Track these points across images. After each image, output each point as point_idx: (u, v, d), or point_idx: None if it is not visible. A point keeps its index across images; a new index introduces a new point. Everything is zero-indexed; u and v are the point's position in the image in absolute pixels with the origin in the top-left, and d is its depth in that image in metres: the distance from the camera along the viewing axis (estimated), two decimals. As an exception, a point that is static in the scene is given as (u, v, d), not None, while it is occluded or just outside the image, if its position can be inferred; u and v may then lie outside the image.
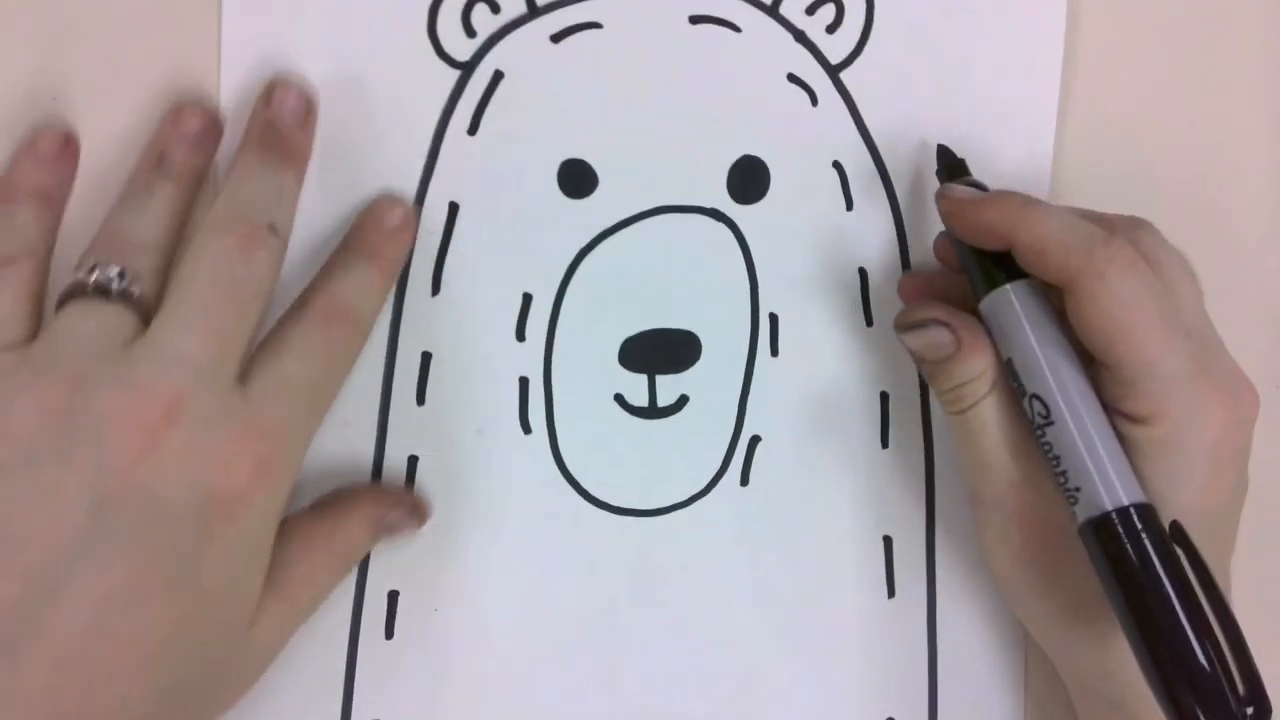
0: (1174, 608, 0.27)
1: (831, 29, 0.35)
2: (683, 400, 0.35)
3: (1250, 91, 0.38)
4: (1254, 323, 0.39)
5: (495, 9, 0.33)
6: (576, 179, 0.34)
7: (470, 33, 0.33)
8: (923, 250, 0.36)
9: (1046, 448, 0.30)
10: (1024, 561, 0.31)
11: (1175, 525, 0.28)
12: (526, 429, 0.34)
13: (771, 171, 0.35)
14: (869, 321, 0.36)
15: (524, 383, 0.34)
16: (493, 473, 0.34)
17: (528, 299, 0.34)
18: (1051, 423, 0.30)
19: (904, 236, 0.36)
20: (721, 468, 0.35)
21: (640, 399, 0.35)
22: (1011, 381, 0.31)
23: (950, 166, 0.34)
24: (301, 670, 0.32)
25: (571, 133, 0.34)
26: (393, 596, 0.33)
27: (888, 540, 0.37)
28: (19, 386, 0.26)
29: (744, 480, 0.36)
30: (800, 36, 0.35)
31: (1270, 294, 0.39)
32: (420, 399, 0.34)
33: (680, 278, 0.35)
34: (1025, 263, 0.30)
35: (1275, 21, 0.38)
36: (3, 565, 0.24)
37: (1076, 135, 0.37)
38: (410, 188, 0.33)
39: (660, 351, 0.35)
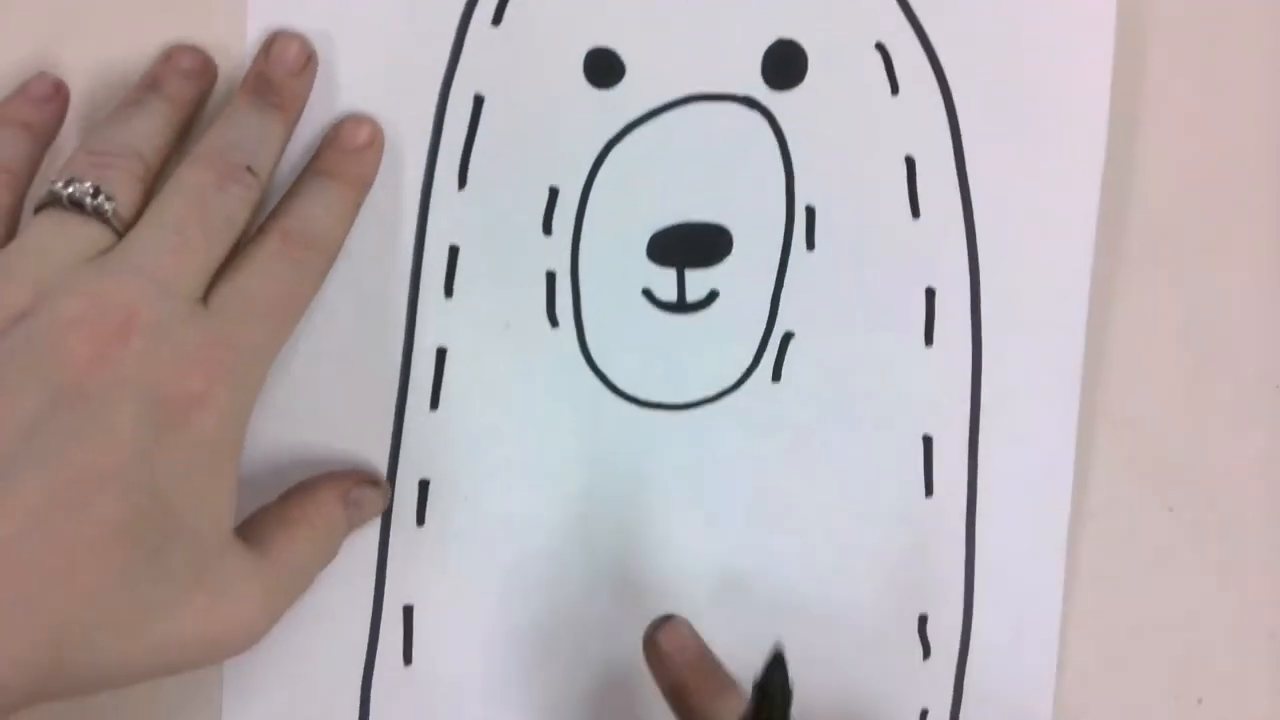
0: None
1: (877, -103, 0.32)
2: (712, 295, 0.34)
3: (1251, 91, 0.36)
4: (1254, 323, 0.37)
5: (518, -111, 0.32)
6: (603, 68, 0.33)
7: (493, -83, 0.32)
8: (977, 134, 0.34)
9: None
10: None
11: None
12: (554, 323, 0.34)
13: (809, 55, 0.33)
14: (915, 213, 0.35)
15: (551, 277, 0.34)
16: (520, 366, 0.34)
17: (554, 192, 0.34)
18: None
19: (955, 122, 0.34)
20: (753, 363, 0.35)
21: (669, 294, 0.34)
22: None
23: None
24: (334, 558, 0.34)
25: (597, 20, 0.33)
26: (423, 485, 0.34)
27: (927, 440, 0.36)
28: None
29: (776, 376, 0.35)
30: (842, -94, 0.32)
31: (1270, 294, 0.37)
32: (449, 292, 0.34)
33: (711, 169, 0.34)
34: None
35: (1275, 21, 0.36)
36: None
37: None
38: (435, 80, 0.33)
39: (689, 245, 0.34)
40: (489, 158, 0.33)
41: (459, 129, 0.33)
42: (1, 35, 0.32)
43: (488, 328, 0.34)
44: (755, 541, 0.36)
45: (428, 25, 0.33)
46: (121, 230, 0.28)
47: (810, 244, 0.34)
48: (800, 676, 0.36)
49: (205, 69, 0.32)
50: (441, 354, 0.34)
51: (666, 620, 0.34)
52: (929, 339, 0.35)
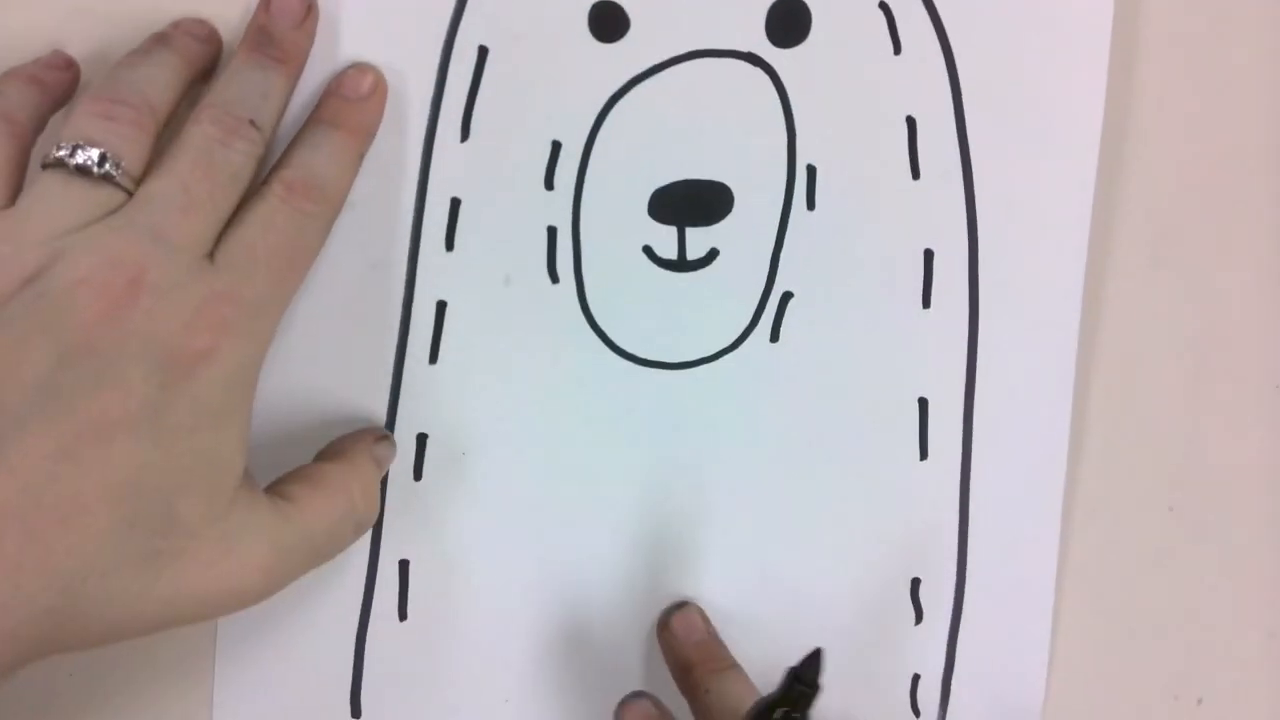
0: None
1: None
2: (712, 254, 0.34)
3: (1251, 91, 0.37)
4: (1254, 323, 0.38)
5: None
6: (608, 21, 0.33)
7: None
8: (979, 96, 0.34)
9: None
10: None
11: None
12: (554, 278, 0.34)
13: (813, 12, 0.33)
14: (915, 174, 0.35)
15: (552, 232, 0.34)
16: (520, 321, 0.34)
17: (557, 146, 0.34)
18: None
19: (957, 82, 0.34)
20: (751, 323, 0.35)
21: (669, 251, 0.34)
22: None
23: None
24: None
25: (602, -28, 0.33)
26: (421, 439, 0.34)
27: (923, 402, 0.36)
28: None
29: (774, 336, 0.35)
30: None
31: (1270, 294, 0.38)
32: (449, 245, 0.34)
33: (713, 126, 0.34)
34: None
35: (1275, 22, 0.36)
36: None
37: None
38: (439, 31, 0.33)
39: (691, 203, 0.34)
40: (492, 110, 0.33)
41: (462, 81, 0.33)
42: (7, 28, 0.32)
43: (488, 282, 0.34)
44: (749, 501, 0.36)
45: (432, -25, 0.32)
46: (131, 188, 0.28)
47: (811, 204, 0.35)
48: (791, 640, 0.37)
49: (211, 37, 0.32)
50: (441, 307, 0.34)
51: (680, 606, 0.36)
52: (926, 301, 0.36)
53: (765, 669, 0.33)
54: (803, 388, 0.35)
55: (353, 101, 0.32)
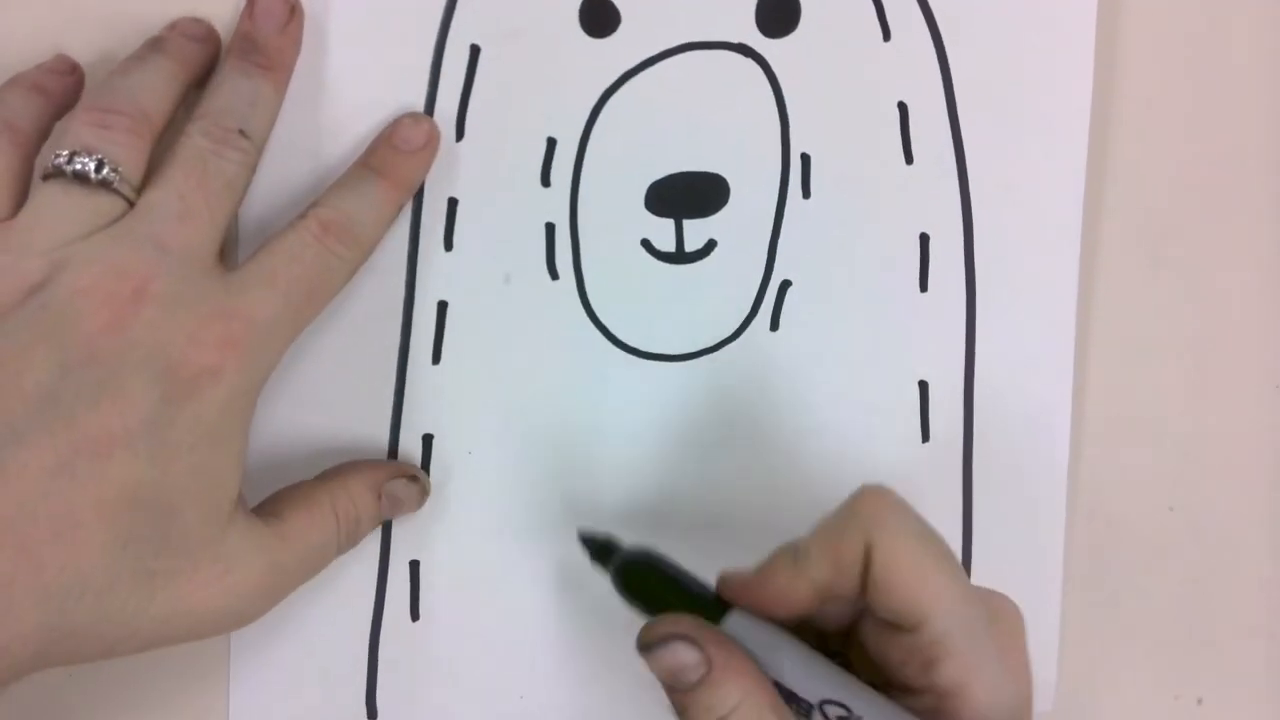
0: None
1: None
2: (710, 245, 0.35)
3: (1251, 91, 0.37)
4: (1254, 323, 0.38)
5: None
6: (598, 16, 0.33)
7: None
8: (967, 78, 0.35)
9: None
10: None
11: None
12: (554, 275, 0.34)
13: (802, 2, 0.33)
14: (909, 159, 0.35)
15: (550, 229, 0.34)
16: (521, 319, 0.34)
17: (552, 143, 0.34)
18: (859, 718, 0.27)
19: (946, 66, 0.35)
20: (751, 313, 0.35)
21: (667, 244, 0.34)
22: (789, 703, 0.27)
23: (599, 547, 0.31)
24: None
25: (591, -33, 0.33)
26: (427, 440, 0.34)
27: (923, 385, 0.36)
28: None
29: (774, 325, 0.35)
30: None
31: (1270, 294, 0.38)
32: (448, 245, 0.34)
33: (707, 118, 0.34)
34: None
35: (1275, 21, 0.36)
36: None
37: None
38: (431, 31, 0.33)
39: (687, 195, 0.34)
40: (486, 109, 0.33)
41: (455, 81, 0.33)
42: (9, 31, 0.32)
43: (488, 281, 0.34)
44: (755, 489, 0.36)
45: (422, -24, 0.32)
46: (131, 197, 0.28)
47: (806, 192, 0.35)
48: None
49: (209, 36, 0.32)
50: (442, 308, 0.34)
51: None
52: (924, 285, 0.36)
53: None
54: (804, 374, 0.36)
55: (403, 153, 0.32)
